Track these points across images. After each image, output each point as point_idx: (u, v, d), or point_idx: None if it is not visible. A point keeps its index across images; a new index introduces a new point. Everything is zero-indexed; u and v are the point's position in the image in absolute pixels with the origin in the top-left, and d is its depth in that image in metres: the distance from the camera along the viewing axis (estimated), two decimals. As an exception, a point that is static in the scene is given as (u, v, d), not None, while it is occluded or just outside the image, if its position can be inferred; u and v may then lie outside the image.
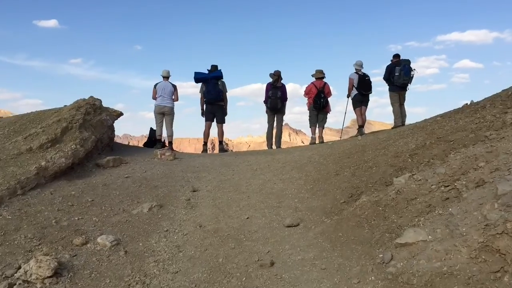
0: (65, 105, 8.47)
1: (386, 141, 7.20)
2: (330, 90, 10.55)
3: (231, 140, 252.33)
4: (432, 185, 4.57)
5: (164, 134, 10.63)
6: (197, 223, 5.00)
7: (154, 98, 10.50)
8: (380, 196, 4.83)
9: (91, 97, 8.86)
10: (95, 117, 7.90)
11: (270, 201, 5.60)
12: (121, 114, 8.86)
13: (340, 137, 11.32)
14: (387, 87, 11.14)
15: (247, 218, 5.09)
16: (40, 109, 8.66)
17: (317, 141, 10.48)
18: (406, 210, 4.33)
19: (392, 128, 10.82)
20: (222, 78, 10.19)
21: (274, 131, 10.59)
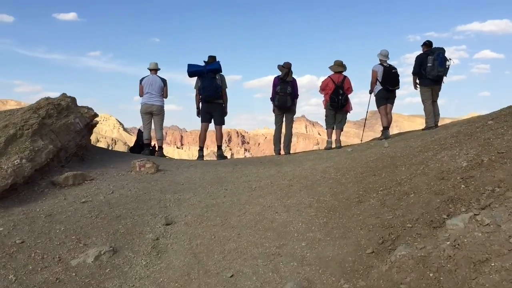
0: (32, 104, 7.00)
1: (422, 152, 5.56)
2: (350, 85, 8.87)
3: (247, 132, 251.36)
4: (511, 236, 2.98)
5: (154, 136, 9.12)
6: (157, 286, 3.45)
7: (141, 95, 8.98)
8: (427, 249, 3.23)
9: (63, 94, 7.39)
10: (58, 121, 6.40)
11: (267, 244, 4.02)
12: (95, 115, 7.34)
13: (361, 140, 9.65)
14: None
15: (231, 276, 3.52)
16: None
17: (333, 145, 8.85)
18: (476, 284, 2.72)
19: (423, 129, 9.14)
20: (221, 71, 8.60)
21: (283, 134, 8.98)
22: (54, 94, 7.31)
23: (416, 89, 9.37)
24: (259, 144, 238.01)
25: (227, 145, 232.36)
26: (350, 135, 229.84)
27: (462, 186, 4.02)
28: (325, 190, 5.18)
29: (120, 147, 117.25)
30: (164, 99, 9.14)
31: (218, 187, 5.81)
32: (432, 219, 3.71)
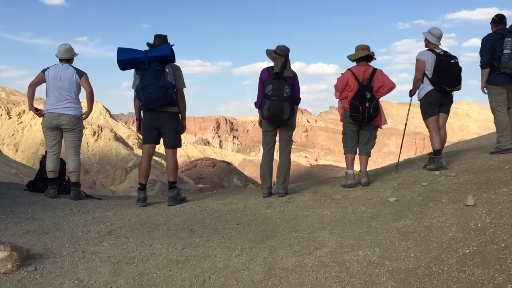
0: None
1: None
2: (384, 82, 5.47)
3: (236, 119, 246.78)
4: None
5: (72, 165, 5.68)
6: None
7: (31, 97, 5.60)
8: None
9: None
10: None
11: None
12: None
13: (397, 167, 6.29)
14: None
15: None
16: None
17: (361, 180, 5.54)
18: None
19: (493, 152, 5.89)
20: (173, 60, 5.20)
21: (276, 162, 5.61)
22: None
23: (485, 92, 6.10)
24: (247, 131, 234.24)
25: (216, 132, 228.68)
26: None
27: None
28: None
29: (106, 134, 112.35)
30: (83, 104, 5.68)
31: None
32: None
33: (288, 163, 5.48)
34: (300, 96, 5.58)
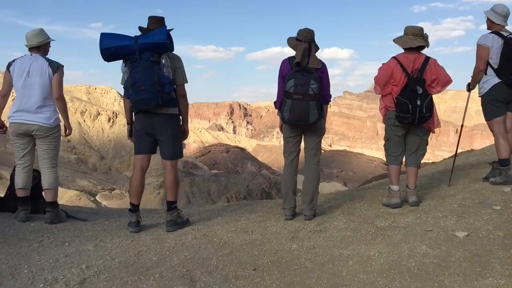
0: None
1: None
2: (441, 75, 4.28)
3: (249, 105, 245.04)
4: None
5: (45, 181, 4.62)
6: None
7: (3, 93, 4.52)
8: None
9: None
10: None
11: None
12: None
13: (450, 179, 5.10)
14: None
15: None
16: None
17: (409, 199, 4.43)
18: None
19: None
20: (171, 48, 4.09)
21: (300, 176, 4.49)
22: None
23: None
24: (261, 116, 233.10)
25: (229, 118, 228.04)
26: (353, 108, 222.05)
27: None
28: None
29: (121, 120, 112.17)
30: (59, 106, 4.57)
31: None
32: None
33: (316, 178, 4.34)
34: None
